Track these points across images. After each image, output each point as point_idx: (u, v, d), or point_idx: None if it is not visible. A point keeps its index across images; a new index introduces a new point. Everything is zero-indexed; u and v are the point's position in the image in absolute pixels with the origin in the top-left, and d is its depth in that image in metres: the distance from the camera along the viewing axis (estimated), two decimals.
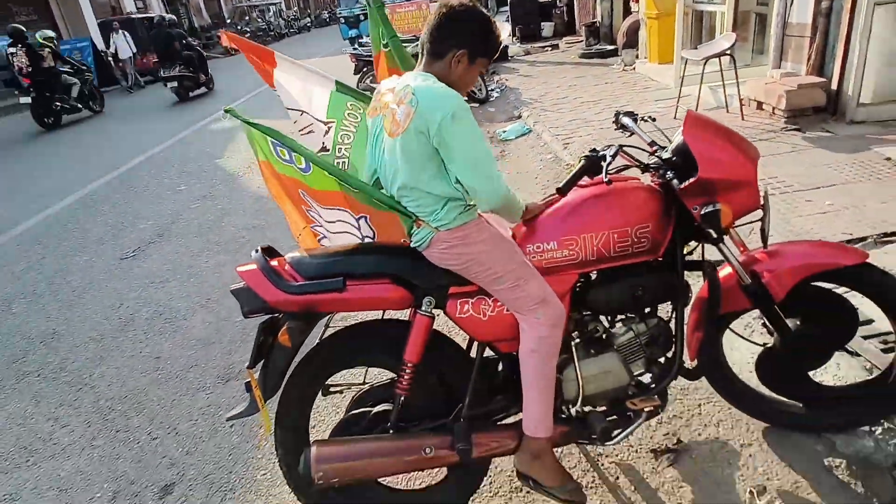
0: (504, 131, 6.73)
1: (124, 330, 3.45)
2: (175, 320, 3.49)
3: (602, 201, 1.75)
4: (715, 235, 1.77)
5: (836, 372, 2.24)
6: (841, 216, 3.33)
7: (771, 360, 1.99)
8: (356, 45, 9.53)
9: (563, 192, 1.73)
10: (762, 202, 1.79)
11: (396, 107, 1.57)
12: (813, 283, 1.85)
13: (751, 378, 2.08)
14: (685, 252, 1.87)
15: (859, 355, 2.28)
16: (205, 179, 6.45)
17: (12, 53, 10.70)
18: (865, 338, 2.35)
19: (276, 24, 32.66)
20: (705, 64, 5.06)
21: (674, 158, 1.78)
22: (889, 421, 2.01)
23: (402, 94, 1.56)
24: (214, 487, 2.21)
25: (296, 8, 41.37)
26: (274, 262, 1.72)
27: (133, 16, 19.57)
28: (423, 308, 1.70)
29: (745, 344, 2.19)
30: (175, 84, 12.30)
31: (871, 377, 2.05)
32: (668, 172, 1.77)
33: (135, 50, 15.74)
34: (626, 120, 2.05)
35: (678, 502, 1.90)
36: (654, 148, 1.91)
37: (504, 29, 9.98)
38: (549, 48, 12.12)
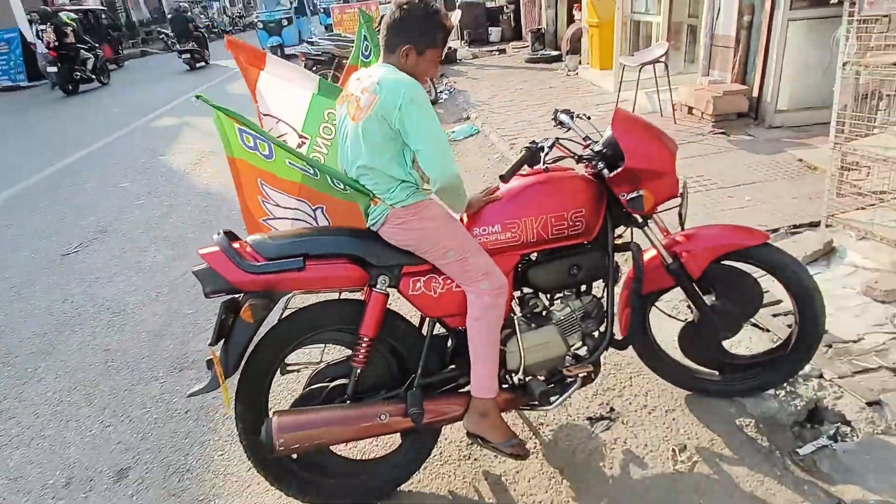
0: (453, 132, 6.91)
1: (70, 325, 3.40)
2: (124, 314, 3.47)
3: (541, 188, 1.93)
4: (640, 220, 1.98)
5: (749, 344, 2.51)
6: (758, 210, 3.67)
7: (690, 334, 2.22)
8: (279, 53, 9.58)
9: (505, 179, 1.89)
10: (681, 190, 2.01)
11: (361, 94, 1.72)
12: (725, 263, 2.10)
13: (676, 352, 2.31)
14: (615, 235, 2.07)
15: (768, 329, 2.56)
16: (150, 175, 6.33)
17: (42, 30, 13.53)
18: (775, 315, 2.64)
19: (221, 21, 31.85)
20: (640, 70, 5.39)
21: (604, 150, 1.98)
22: (790, 384, 2.28)
23: (367, 83, 1.72)
24: (171, 469, 2.26)
25: (240, 5, 40.42)
26: (236, 245, 1.81)
27: (66, 7, 18.69)
28: (378, 286, 1.83)
29: (671, 322, 2.42)
30: (188, 56, 15.75)
31: (774, 346, 2.31)
32: (600, 163, 1.97)
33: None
34: (563, 117, 2.25)
35: (611, 462, 2.10)
36: (588, 142, 2.11)
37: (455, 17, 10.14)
38: (497, 52, 12.42)
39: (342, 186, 1.87)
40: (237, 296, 1.82)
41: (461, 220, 1.97)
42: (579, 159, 2.01)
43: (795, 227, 3.40)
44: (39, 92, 14.68)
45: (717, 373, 2.30)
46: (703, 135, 5.16)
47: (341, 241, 1.85)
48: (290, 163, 1.92)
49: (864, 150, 2.80)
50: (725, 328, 2.17)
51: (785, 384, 2.28)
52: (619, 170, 1.89)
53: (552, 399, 1.97)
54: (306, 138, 2.24)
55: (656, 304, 2.30)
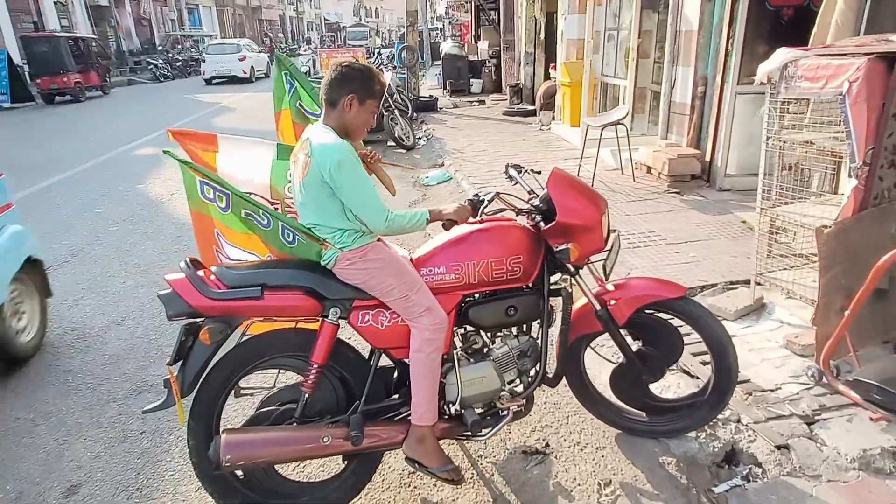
0: (427, 177, 7.19)
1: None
2: (88, 337, 3.54)
3: (483, 235, 2.14)
4: (572, 269, 2.20)
5: (677, 389, 2.71)
6: (700, 266, 3.94)
7: (620, 376, 2.42)
8: None
9: (446, 227, 2.10)
10: (609, 245, 2.24)
11: (301, 156, 1.93)
12: (649, 312, 2.32)
13: (610, 392, 2.49)
14: (552, 282, 2.28)
15: (696, 376, 2.77)
16: (127, 203, 6.44)
17: None
18: (705, 364, 2.86)
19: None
20: (602, 130, 5.76)
21: (541, 205, 2.20)
22: (711, 427, 2.47)
23: (304, 146, 1.93)
24: (122, 487, 2.33)
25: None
26: (200, 272, 1.97)
27: (57, 34, 18.95)
28: (330, 317, 2.00)
29: (610, 364, 2.61)
30: None
31: (695, 391, 2.51)
32: (537, 216, 2.20)
33: None
34: (512, 171, 2.48)
35: (541, 493, 2.25)
36: (532, 195, 2.34)
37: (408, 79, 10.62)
38: (477, 103, 12.95)
39: (290, 239, 2.03)
40: (198, 320, 1.97)
41: (409, 259, 2.17)
42: (519, 212, 2.23)
43: (731, 283, 3.67)
44: (21, 113, 14.82)
45: (643, 414, 2.48)
46: (658, 193, 5.50)
47: (298, 273, 2.02)
48: (245, 213, 2.04)
49: (786, 216, 3.09)
50: (650, 372, 2.36)
51: (706, 427, 2.47)
52: (553, 223, 2.12)
53: (484, 430, 2.13)
54: (276, 203, 2.40)
55: (591, 346, 2.50)
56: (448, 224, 2.07)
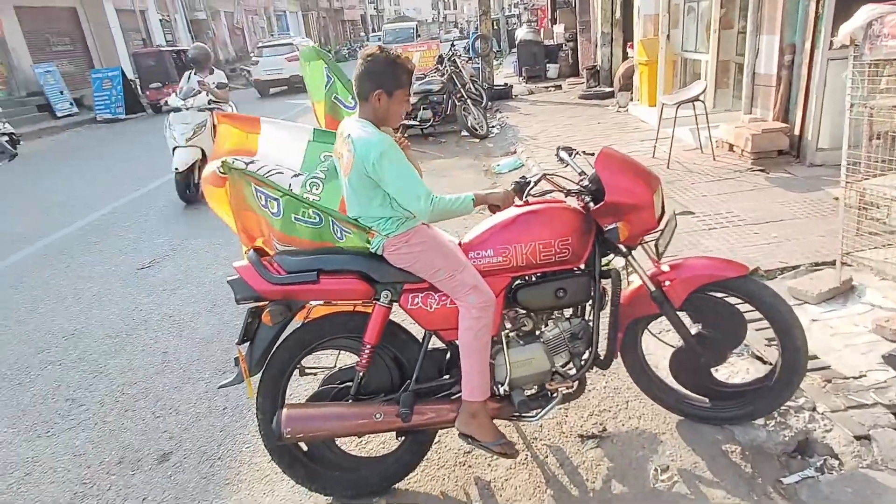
0: (498, 165, 7.19)
1: (137, 329, 3.86)
2: (182, 322, 3.90)
3: (530, 218, 2.15)
4: (624, 249, 2.16)
5: (745, 374, 2.58)
6: (782, 247, 3.69)
7: (679, 360, 2.34)
8: None
9: (492, 211, 2.12)
10: (662, 224, 2.18)
11: (344, 152, 2.02)
12: (710, 293, 2.23)
13: (669, 376, 2.43)
14: (604, 263, 2.25)
15: (767, 361, 2.62)
16: None
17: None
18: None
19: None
20: (678, 108, 5.50)
21: (590, 185, 2.18)
22: (781, 415, 2.34)
23: (345, 142, 2.01)
24: (205, 457, 2.57)
25: (317, 43, 42.94)
26: (264, 260, 2.13)
27: (161, 48, 20.62)
28: (382, 300, 2.10)
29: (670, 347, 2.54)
30: None
31: (761, 376, 2.38)
32: (586, 196, 2.17)
33: None
34: (562, 154, 2.46)
35: (594, 476, 2.24)
36: (583, 176, 2.32)
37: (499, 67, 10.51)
38: (553, 88, 12.72)
39: (339, 235, 2.15)
40: (262, 303, 2.14)
41: (458, 243, 2.22)
42: (567, 193, 2.22)
43: (817, 264, 3.42)
44: (135, 123, 16.44)
45: (706, 399, 2.39)
46: (740, 172, 5.19)
47: (352, 259, 2.13)
48: (295, 218, 2.17)
49: (877, 190, 2.84)
50: (711, 357, 2.28)
51: (776, 414, 2.34)
52: (602, 203, 2.09)
53: (533, 411, 2.15)
54: (302, 174, 2.50)
55: (650, 329, 2.45)
56: (493, 208, 2.09)
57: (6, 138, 12.42)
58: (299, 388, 2.79)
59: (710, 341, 2.25)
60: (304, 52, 2.81)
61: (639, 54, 8.35)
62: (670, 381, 2.43)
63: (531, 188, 2.10)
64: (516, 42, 16.24)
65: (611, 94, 10.29)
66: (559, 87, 12.80)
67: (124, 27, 22.58)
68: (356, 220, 2.10)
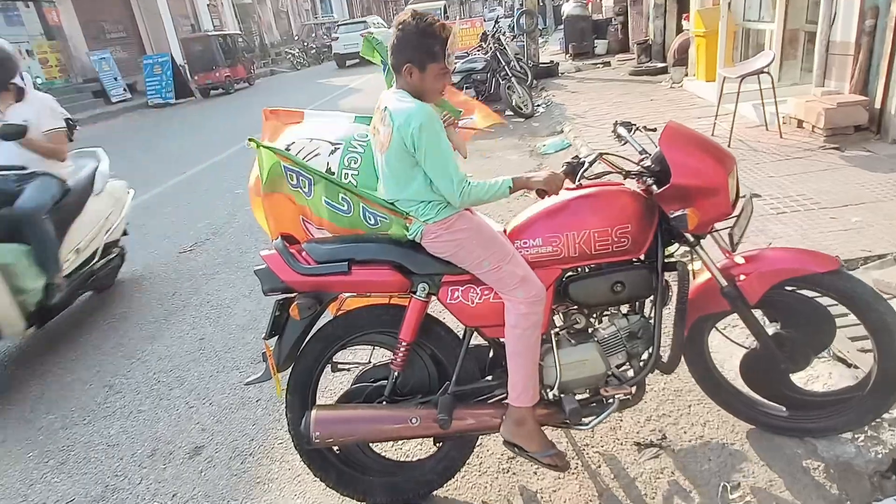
0: (544, 145, 6.89)
1: (176, 314, 3.82)
2: (220, 307, 3.84)
3: (584, 203, 1.92)
4: (691, 238, 1.90)
5: (828, 380, 2.28)
6: (864, 233, 3.31)
7: (753, 363, 2.07)
8: None
9: (540, 196, 1.89)
10: (737, 210, 1.90)
11: (381, 127, 1.83)
12: (790, 289, 1.94)
13: (741, 380, 2.16)
14: (668, 254, 1.99)
15: (854, 366, 2.32)
16: None
17: None
18: (865, 351, 2.38)
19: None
20: (741, 82, 5.06)
21: (653, 166, 1.92)
22: (873, 429, 2.05)
23: (382, 116, 1.81)
24: (237, 451, 2.47)
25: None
26: (293, 248, 1.98)
27: (209, 33, 20.89)
28: (418, 293, 1.91)
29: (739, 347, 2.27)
30: None
31: (853, 384, 2.09)
32: (648, 179, 1.92)
33: None
34: (621, 130, 2.21)
35: (653, 492, 2.01)
36: (644, 156, 2.06)
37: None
38: (601, 65, 12.18)
39: (373, 222, 1.96)
40: (291, 295, 1.99)
41: (504, 231, 2.00)
42: (626, 175, 1.97)
43: None
44: (184, 107, 16.78)
45: (783, 408, 2.12)
46: (811, 150, 4.74)
47: (385, 248, 1.95)
48: (325, 201, 2.01)
49: None
50: (791, 360, 2.00)
51: (866, 428, 2.05)
52: (667, 186, 1.83)
53: (586, 419, 1.94)
54: (339, 144, 2.30)
55: (717, 327, 2.18)
56: (541, 193, 1.87)
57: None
58: (333, 384, 2.66)
59: (789, 343, 1.97)
60: (363, 49, 2.68)
61: (696, 26, 7.82)
62: (741, 384, 2.17)
63: (585, 169, 1.86)
64: (563, 18, 15.64)
65: (664, 70, 9.74)
66: (608, 63, 12.24)
67: (174, 13, 22.95)
68: (392, 204, 1.92)
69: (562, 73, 11.79)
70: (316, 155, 2.37)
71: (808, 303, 1.95)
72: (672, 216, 1.82)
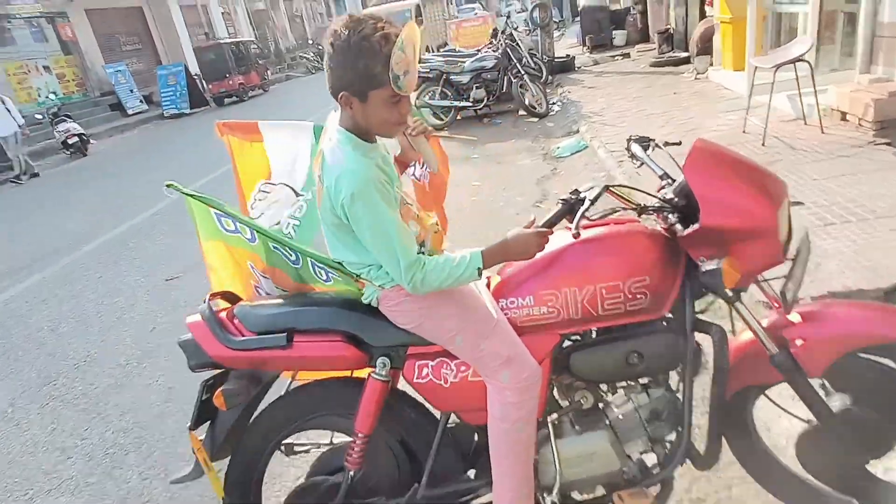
0: (559, 147, 6.41)
1: (149, 356, 3.48)
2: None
3: (587, 250, 1.49)
4: (731, 295, 1.45)
5: None
6: None
7: (815, 443, 1.61)
8: None
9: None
10: (791, 254, 1.45)
11: (317, 177, 1.41)
12: (864, 355, 1.48)
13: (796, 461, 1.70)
14: (698, 310, 1.55)
15: None
16: None
17: None
18: None
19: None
20: (776, 71, 4.53)
21: (676, 199, 1.48)
22: None
23: (319, 161, 1.39)
24: None
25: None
26: (223, 313, 1.59)
27: (221, 41, 20.79)
28: (378, 370, 1.51)
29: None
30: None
31: None
32: (671, 215, 1.48)
33: (21, 122, 10.96)
34: (635, 148, 1.76)
35: None
36: (665, 183, 1.62)
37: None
38: (620, 57, 11.62)
39: (325, 277, 1.59)
40: (224, 370, 1.60)
41: (487, 283, 1.58)
42: (642, 210, 1.52)
43: None
44: (198, 116, 16.69)
45: (853, 500, 1.65)
46: (859, 147, 4.19)
47: (335, 313, 1.55)
48: (273, 246, 1.65)
49: None
50: (867, 446, 1.54)
51: None
52: (694, 227, 1.39)
53: None
54: (302, 195, 1.97)
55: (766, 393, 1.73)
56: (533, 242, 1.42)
57: (76, 139, 12.82)
58: (289, 469, 2.25)
59: (864, 424, 1.51)
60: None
61: (721, 11, 7.24)
62: (797, 467, 1.71)
63: (587, 209, 1.42)
64: (579, 9, 15.08)
65: (686, 60, 9.14)
66: (627, 55, 11.66)
67: (188, 22, 22.97)
68: (340, 263, 1.51)
69: (578, 68, 11.27)
70: (275, 202, 2.03)
71: (890, 374, 1.48)
72: (702, 270, 1.38)
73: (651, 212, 1.52)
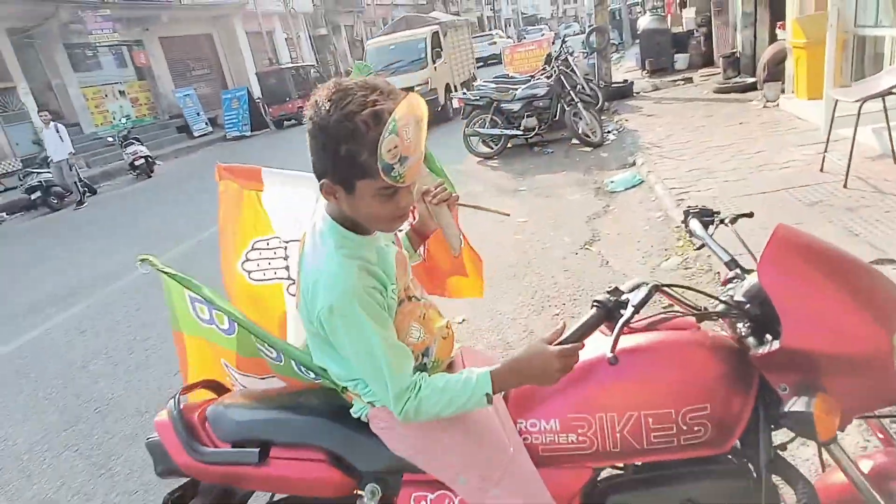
0: (612, 181, 6.03)
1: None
2: None
3: (629, 366, 1.17)
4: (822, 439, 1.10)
5: None
6: None
7: None
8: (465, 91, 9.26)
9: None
10: None
11: (297, 269, 1.18)
12: None
13: None
14: (775, 445, 1.20)
15: None
16: None
17: None
18: None
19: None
20: (862, 105, 4.03)
21: (749, 307, 1.15)
22: None
23: (300, 254, 1.16)
24: None
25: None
26: (198, 411, 1.37)
27: (282, 66, 21.43)
28: (367, 500, 1.23)
29: None
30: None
31: None
32: (741, 324, 1.15)
33: (71, 150, 11.25)
34: (694, 224, 1.44)
35: None
36: (731, 274, 1.29)
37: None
38: (682, 82, 11.08)
39: (313, 376, 1.35)
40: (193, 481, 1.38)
41: (504, 397, 1.29)
42: (703, 316, 1.20)
43: None
44: (259, 139, 17.11)
45: None
46: None
47: (317, 427, 1.29)
48: (255, 338, 1.43)
49: None
50: None
51: None
52: (773, 348, 1.06)
53: None
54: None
55: None
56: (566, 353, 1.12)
57: (142, 161, 13.37)
58: None
59: None
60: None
61: (794, 35, 6.69)
62: None
63: (629, 318, 1.10)
64: (638, 32, 14.61)
65: (754, 86, 8.56)
66: (689, 80, 11.11)
67: (253, 48, 23.89)
68: (325, 370, 1.26)
69: (637, 93, 10.80)
70: (276, 253, 1.83)
71: None
72: (785, 409, 1.04)
73: (717, 317, 1.19)
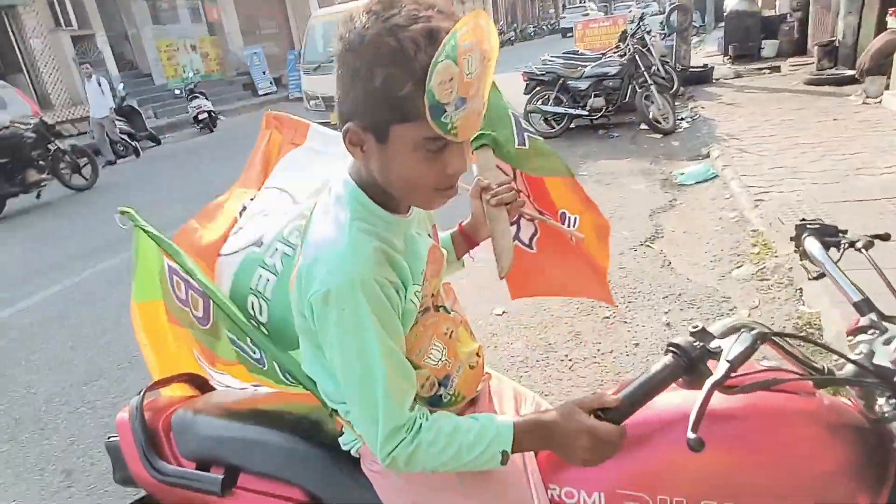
0: (682, 173, 5.52)
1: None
2: None
3: (714, 437, 0.85)
4: None
5: None
6: None
7: None
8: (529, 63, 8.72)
9: (615, 419, 0.84)
10: None
11: (300, 243, 0.89)
12: None
13: None
14: None
15: None
16: None
17: None
18: None
19: None
20: None
21: (890, 368, 0.80)
22: None
23: (304, 229, 0.88)
24: None
25: (502, 21, 41.86)
26: (159, 417, 1.15)
27: None
28: None
29: None
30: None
31: None
32: (878, 392, 0.81)
33: (112, 105, 10.43)
34: (810, 247, 1.08)
35: None
36: (864, 322, 0.94)
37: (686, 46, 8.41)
38: (768, 70, 10.18)
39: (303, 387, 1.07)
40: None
41: (535, 454, 1.00)
42: (821, 381, 0.86)
43: None
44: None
45: None
46: None
47: (297, 458, 1.03)
48: (229, 336, 1.15)
49: None
50: None
51: None
52: None
53: None
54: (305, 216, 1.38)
55: None
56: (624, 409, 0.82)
57: (206, 115, 13.58)
58: None
59: None
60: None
61: None
62: None
63: (725, 375, 0.77)
64: (724, 13, 13.56)
65: (853, 80, 7.71)
66: (777, 68, 10.19)
67: (322, 7, 23.83)
68: (314, 382, 1.00)
69: (717, 80, 10.02)
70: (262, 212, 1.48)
71: None
72: None
73: (840, 383, 0.85)
